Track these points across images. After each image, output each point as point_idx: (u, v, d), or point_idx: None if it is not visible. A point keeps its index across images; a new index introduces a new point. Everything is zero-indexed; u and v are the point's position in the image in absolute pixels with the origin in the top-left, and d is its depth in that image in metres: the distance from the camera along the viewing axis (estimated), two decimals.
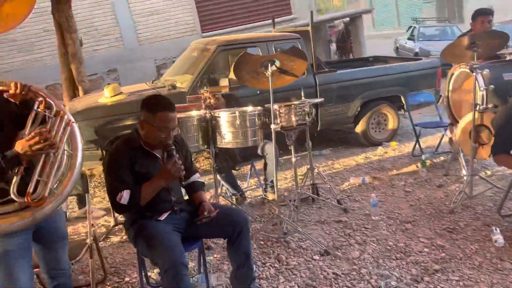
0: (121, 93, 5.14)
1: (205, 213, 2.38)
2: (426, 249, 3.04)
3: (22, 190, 1.74)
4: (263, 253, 3.17)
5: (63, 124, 1.85)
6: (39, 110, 1.83)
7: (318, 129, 5.69)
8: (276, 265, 3.00)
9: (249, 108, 3.51)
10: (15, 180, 1.73)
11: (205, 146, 3.42)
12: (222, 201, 3.92)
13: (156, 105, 2.31)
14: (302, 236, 3.33)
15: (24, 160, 1.73)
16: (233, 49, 5.24)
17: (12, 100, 1.81)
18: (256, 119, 3.35)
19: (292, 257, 3.08)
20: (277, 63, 3.14)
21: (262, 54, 5.24)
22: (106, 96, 5.07)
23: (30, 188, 1.73)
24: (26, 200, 1.72)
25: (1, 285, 1.84)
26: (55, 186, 1.82)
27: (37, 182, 1.76)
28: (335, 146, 6.16)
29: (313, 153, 5.80)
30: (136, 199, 2.26)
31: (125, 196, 2.24)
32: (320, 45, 9.59)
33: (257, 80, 3.25)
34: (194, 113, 3.35)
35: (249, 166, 4.59)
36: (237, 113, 3.27)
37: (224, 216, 2.49)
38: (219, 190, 3.63)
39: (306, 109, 3.46)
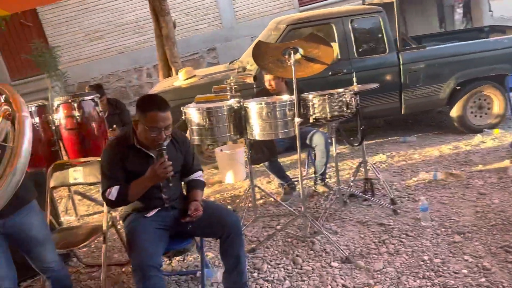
0: (194, 76, 5.30)
1: (189, 212, 2.35)
2: (464, 271, 2.56)
3: None
4: (283, 251, 3.03)
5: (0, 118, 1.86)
6: None
7: (402, 113, 5.13)
8: (289, 267, 2.84)
9: (285, 97, 3.31)
10: None
11: (238, 136, 3.34)
12: (257, 193, 3.84)
13: (147, 104, 2.31)
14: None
15: None
16: (304, 27, 4.96)
17: None
18: (287, 110, 3.14)
19: (310, 260, 2.88)
20: (301, 50, 2.87)
21: (336, 32, 4.88)
22: (180, 79, 5.29)
23: None
24: None
25: None
26: None
27: None
28: (427, 131, 5.51)
29: (396, 139, 5.34)
30: (124, 196, 2.33)
31: (113, 192, 2.33)
32: (434, 14, 8.48)
33: (284, 69, 3.03)
34: (224, 103, 3.27)
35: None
36: (263, 104, 3.11)
37: (215, 217, 2.43)
38: (254, 181, 3.53)
39: (345, 99, 3.13)
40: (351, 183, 3.79)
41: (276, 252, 3.05)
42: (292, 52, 2.85)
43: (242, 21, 8.59)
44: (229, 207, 3.96)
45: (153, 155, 2.40)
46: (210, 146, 5.01)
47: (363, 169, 3.78)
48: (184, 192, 2.65)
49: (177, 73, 6.74)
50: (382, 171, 4.31)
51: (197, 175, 2.61)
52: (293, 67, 2.86)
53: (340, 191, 3.55)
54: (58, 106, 3.73)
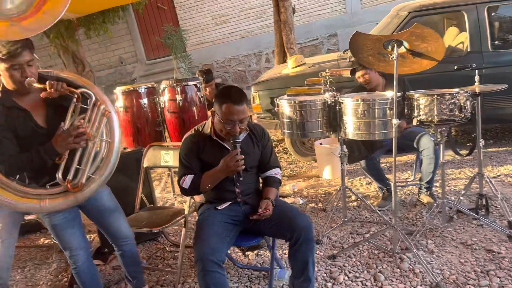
0: (304, 64, 5.13)
1: (259, 210, 2.25)
2: None
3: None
4: (366, 264, 2.76)
5: (99, 115, 2.05)
6: (77, 103, 2.02)
7: None
8: (368, 283, 2.57)
9: (388, 94, 2.97)
10: (61, 166, 2.01)
11: (330, 133, 3.11)
12: (349, 194, 3.56)
13: (223, 96, 2.26)
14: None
15: (62, 152, 1.98)
16: (429, 15, 4.45)
17: (49, 97, 1.99)
18: (388, 109, 2.81)
19: (394, 280, 2.57)
20: (406, 44, 2.52)
21: (468, 21, 4.27)
22: (289, 67, 5.16)
23: (70, 176, 2.00)
24: (66, 185, 2.00)
25: (61, 247, 2.25)
26: (94, 171, 2.06)
27: (78, 169, 2.03)
28: None
29: None
30: (196, 185, 2.33)
31: (187, 181, 2.34)
32: None
33: (385, 63, 2.70)
34: (317, 97, 3.06)
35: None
36: (360, 101, 2.82)
37: (286, 219, 2.29)
38: (353, 180, 3.27)
39: (458, 102, 2.69)
40: (461, 197, 3.30)
41: (358, 263, 2.79)
42: (395, 45, 2.52)
43: (367, 6, 8.06)
44: (320, 205, 3.77)
45: (228, 147, 2.35)
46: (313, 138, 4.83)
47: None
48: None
49: None
50: (506, 186, 3.69)
51: (274, 172, 2.49)
52: (395, 62, 2.53)
53: (445, 204, 3.10)
54: (164, 89, 3.91)
